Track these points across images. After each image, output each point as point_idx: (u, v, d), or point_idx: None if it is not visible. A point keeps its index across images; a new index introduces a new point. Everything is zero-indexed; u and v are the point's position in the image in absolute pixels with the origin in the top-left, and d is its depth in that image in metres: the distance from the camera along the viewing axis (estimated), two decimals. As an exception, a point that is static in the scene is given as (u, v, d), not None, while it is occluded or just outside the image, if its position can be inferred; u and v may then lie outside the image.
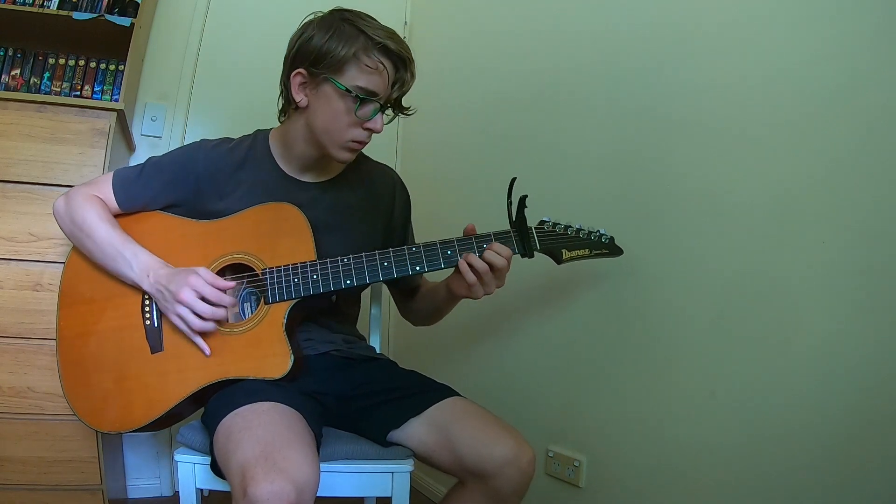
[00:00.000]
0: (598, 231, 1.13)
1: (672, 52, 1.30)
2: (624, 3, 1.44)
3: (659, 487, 1.25)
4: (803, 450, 1.00)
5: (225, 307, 1.03)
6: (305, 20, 1.09)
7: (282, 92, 1.13)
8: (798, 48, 1.07)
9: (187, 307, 1.00)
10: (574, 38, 1.58)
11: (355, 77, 1.03)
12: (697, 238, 1.21)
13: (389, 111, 1.12)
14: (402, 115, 1.15)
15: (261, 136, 1.21)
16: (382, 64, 1.04)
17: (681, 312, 1.23)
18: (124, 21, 1.71)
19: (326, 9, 1.10)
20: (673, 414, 1.23)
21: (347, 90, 1.03)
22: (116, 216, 1.14)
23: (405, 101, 1.13)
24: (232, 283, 1.05)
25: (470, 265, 1.04)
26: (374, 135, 1.10)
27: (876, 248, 0.94)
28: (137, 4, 1.76)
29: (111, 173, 1.17)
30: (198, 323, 1.01)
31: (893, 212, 0.92)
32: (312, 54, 1.04)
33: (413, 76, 1.09)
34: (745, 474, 1.08)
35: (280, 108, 1.16)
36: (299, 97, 1.08)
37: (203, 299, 1.01)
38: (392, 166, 1.34)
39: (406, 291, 1.32)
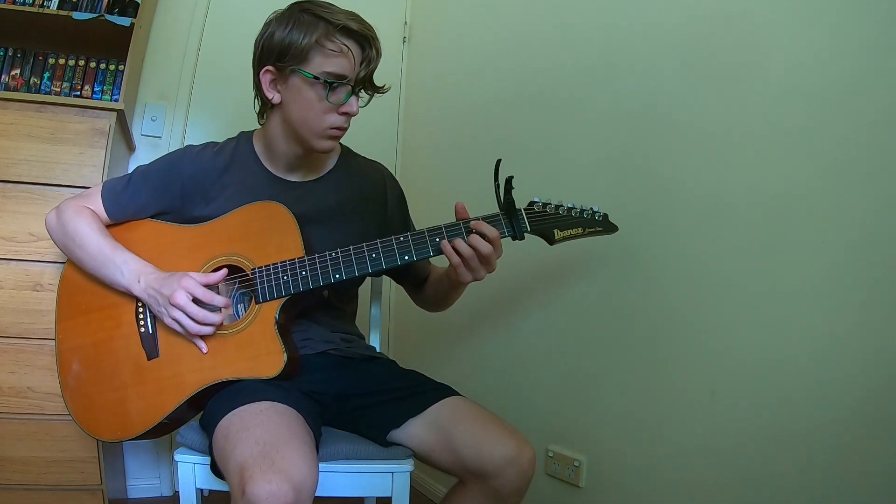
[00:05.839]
0: (592, 208, 1.10)
1: (672, 53, 1.30)
2: (624, 4, 1.44)
3: (659, 487, 1.25)
4: (804, 450, 1.00)
5: (218, 308, 1.03)
6: (266, 20, 1.10)
7: (256, 94, 1.15)
8: (798, 49, 1.07)
9: (181, 310, 1.00)
10: (574, 38, 1.58)
11: (321, 63, 1.04)
12: (697, 238, 1.21)
13: (365, 95, 1.11)
14: (378, 94, 1.13)
15: (244, 137, 1.22)
16: (346, 45, 1.04)
17: (681, 312, 1.23)
18: (124, 21, 1.71)
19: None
20: (673, 414, 1.23)
21: (316, 77, 1.04)
22: (108, 226, 1.15)
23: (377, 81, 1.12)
24: (222, 274, 1.05)
25: (455, 249, 1.02)
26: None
27: (876, 248, 0.94)
28: (137, 4, 1.76)
29: (100, 185, 1.18)
30: (194, 327, 1.01)
31: (893, 212, 0.92)
32: (276, 49, 1.06)
33: (379, 53, 1.09)
34: (745, 474, 1.08)
35: (258, 110, 1.17)
36: (271, 94, 1.10)
37: (196, 301, 1.01)
38: (392, 168, 1.34)
39: (416, 283, 1.31)
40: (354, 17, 1.07)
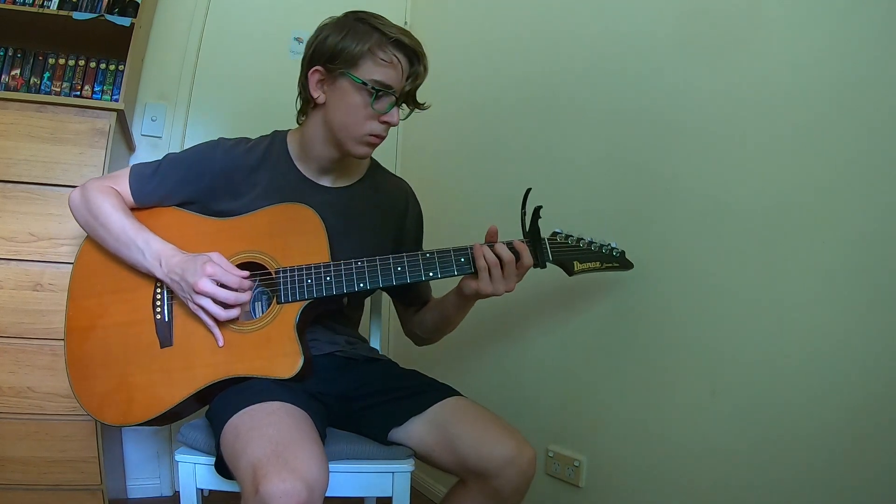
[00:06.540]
0: (610, 244, 1.15)
1: (673, 56, 1.30)
2: (624, 6, 1.44)
3: (659, 487, 1.25)
4: (804, 450, 1.00)
5: (246, 290, 1.03)
6: (321, 24, 1.12)
7: (300, 92, 1.16)
8: (797, 51, 1.07)
9: (208, 297, 1.00)
10: (574, 39, 1.58)
11: (371, 71, 1.06)
12: (698, 239, 1.21)
13: (405, 108, 1.14)
14: (418, 110, 1.17)
15: (279, 136, 1.22)
16: (397, 57, 1.07)
17: (681, 312, 1.23)
18: (124, 21, 1.71)
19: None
20: (673, 414, 1.23)
21: (364, 83, 1.06)
22: (132, 210, 1.14)
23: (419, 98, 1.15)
24: (245, 273, 1.05)
25: (496, 253, 1.04)
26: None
27: (877, 249, 0.94)
28: (137, 4, 1.76)
29: (129, 167, 1.17)
30: (221, 313, 1.01)
31: (893, 212, 0.92)
32: (329, 52, 1.07)
33: (426, 69, 1.12)
34: (745, 475, 1.08)
35: (299, 108, 1.18)
36: (317, 94, 1.11)
37: (222, 286, 1.01)
38: (392, 168, 1.34)
39: (417, 304, 1.31)
40: (407, 32, 1.09)
